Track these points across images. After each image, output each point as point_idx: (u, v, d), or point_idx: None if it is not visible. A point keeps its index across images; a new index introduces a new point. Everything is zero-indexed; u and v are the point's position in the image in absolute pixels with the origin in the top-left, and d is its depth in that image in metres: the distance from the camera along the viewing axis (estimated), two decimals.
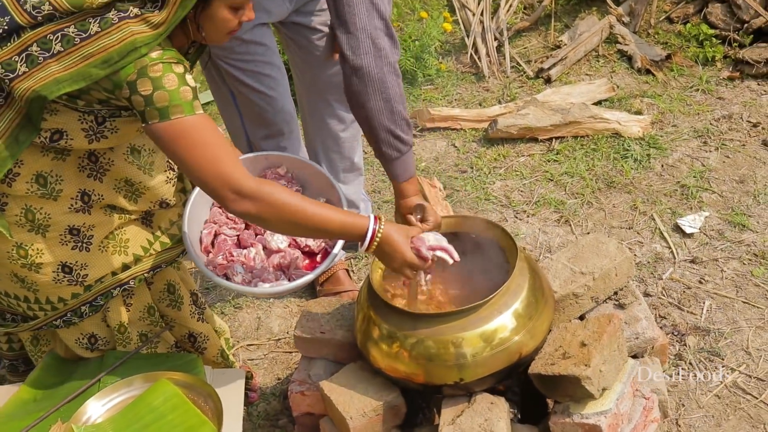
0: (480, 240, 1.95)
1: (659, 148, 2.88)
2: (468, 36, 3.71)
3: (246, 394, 2.37)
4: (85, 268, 1.86)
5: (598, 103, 3.16)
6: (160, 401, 1.89)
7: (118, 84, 1.58)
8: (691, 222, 2.56)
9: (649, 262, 2.45)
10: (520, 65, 3.52)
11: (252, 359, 2.49)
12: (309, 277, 1.90)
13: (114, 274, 1.91)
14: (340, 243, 1.94)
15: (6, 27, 1.62)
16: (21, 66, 1.58)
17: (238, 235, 2.03)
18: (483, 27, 3.71)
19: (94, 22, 1.60)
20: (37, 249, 1.81)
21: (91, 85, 1.60)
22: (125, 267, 1.92)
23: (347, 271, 2.67)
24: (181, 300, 2.08)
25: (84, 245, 1.85)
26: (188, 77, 1.62)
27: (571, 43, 3.48)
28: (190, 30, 1.68)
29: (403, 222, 1.99)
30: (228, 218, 2.05)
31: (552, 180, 2.87)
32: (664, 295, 2.34)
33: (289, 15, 2.35)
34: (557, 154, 2.98)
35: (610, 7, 3.57)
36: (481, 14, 3.81)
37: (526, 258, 1.88)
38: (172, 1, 1.57)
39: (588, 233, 2.58)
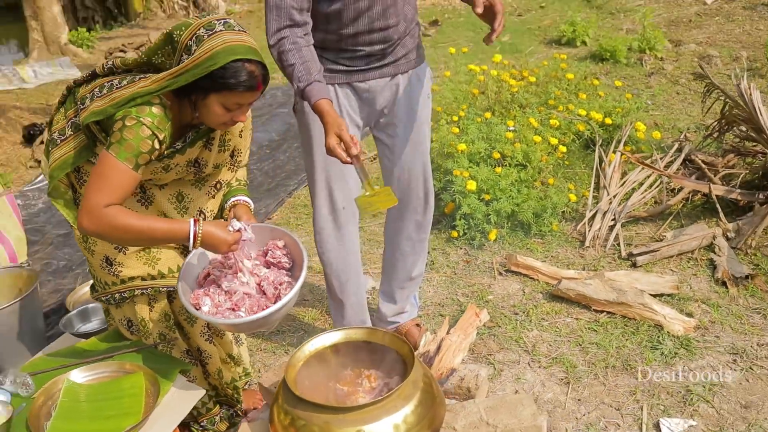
0: (386, 350, 2.06)
1: (689, 351, 2.72)
2: (590, 209, 3.74)
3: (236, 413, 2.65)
4: (120, 266, 2.26)
5: (660, 295, 3.04)
6: (127, 386, 2.24)
7: (114, 119, 1.98)
8: (673, 426, 2.40)
9: None
10: (619, 245, 3.47)
11: None
12: (266, 312, 2.02)
13: (142, 279, 2.29)
14: (305, 262, 2.14)
15: (90, 73, 2.14)
16: (87, 101, 2.07)
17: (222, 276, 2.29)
18: (609, 207, 3.72)
19: (126, 78, 2.05)
20: (93, 240, 2.25)
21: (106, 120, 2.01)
22: (152, 277, 2.30)
23: (418, 326, 2.96)
24: (195, 319, 2.41)
25: (123, 249, 2.25)
26: (143, 141, 1.96)
27: (670, 240, 3.38)
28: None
29: None
30: (220, 263, 2.27)
31: (580, 345, 2.82)
32: None
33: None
34: (599, 325, 2.92)
35: (721, 221, 3.41)
36: (614, 196, 3.82)
37: (424, 371, 1.96)
38: (166, 73, 1.95)
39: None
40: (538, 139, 3.85)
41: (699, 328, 2.85)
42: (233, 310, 2.12)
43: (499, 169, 3.74)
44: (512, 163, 3.84)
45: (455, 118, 4.11)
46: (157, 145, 1.98)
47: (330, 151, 2.15)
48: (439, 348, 2.66)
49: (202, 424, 2.61)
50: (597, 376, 2.66)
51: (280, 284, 2.24)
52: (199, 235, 2.01)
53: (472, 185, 3.64)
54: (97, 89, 2.09)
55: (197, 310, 2.07)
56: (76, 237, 2.33)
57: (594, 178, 4.04)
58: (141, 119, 1.95)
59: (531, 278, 3.32)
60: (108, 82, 2.09)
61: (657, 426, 2.41)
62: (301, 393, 1.99)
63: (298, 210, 4.41)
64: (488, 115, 4.07)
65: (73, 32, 10.13)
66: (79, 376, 2.30)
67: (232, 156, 2.42)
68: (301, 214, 4.31)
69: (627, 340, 2.83)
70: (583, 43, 7.00)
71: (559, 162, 3.98)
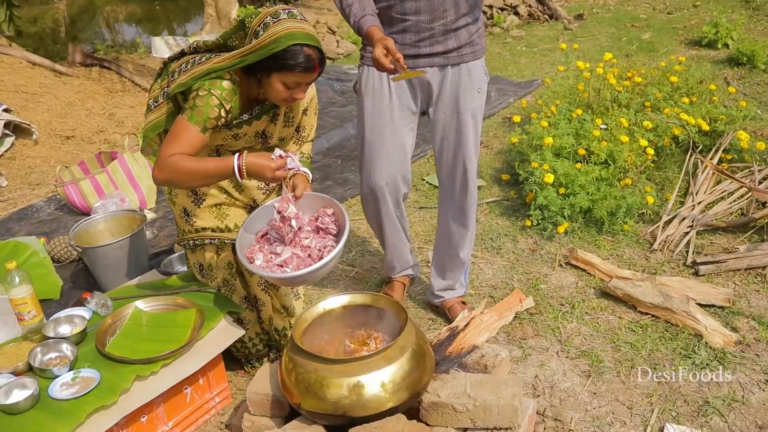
0: (385, 314, 2.21)
1: (722, 364, 2.63)
2: (669, 213, 3.61)
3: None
4: (195, 217, 2.56)
5: (711, 306, 2.92)
6: (180, 318, 2.54)
7: (191, 90, 2.24)
8: (677, 431, 2.36)
9: None
10: (687, 253, 3.34)
11: None
12: (311, 268, 2.23)
13: (212, 231, 2.58)
14: (346, 231, 2.31)
15: (180, 51, 2.41)
16: (176, 75, 2.34)
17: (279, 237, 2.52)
18: (689, 214, 3.58)
19: (205, 56, 2.30)
20: (176, 192, 2.56)
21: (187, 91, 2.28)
22: (220, 230, 2.58)
23: (404, 285, 3.18)
24: None
25: (199, 203, 2.55)
26: (212, 109, 2.21)
27: (741, 253, 3.21)
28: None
29: None
30: (278, 226, 2.50)
31: (614, 343, 2.81)
32: None
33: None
34: (639, 327, 2.88)
35: None
36: (699, 203, 3.67)
37: (416, 339, 2.09)
38: (236, 52, 2.20)
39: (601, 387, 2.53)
40: (625, 139, 3.76)
41: (740, 344, 2.74)
42: (281, 266, 2.34)
43: (579, 165, 3.70)
44: (597, 160, 3.78)
45: (547, 113, 4.09)
46: (223, 114, 2.25)
47: (376, 61, 2.37)
48: (467, 325, 2.76)
49: (251, 362, 2.89)
50: (619, 374, 2.64)
51: (324, 248, 2.45)
52: (243, 165, 2.17)
53: (549, 178, 3.64)
54: (183, 65, 2.39)
55: (250, 263, 2.32)
56: (165, 190, 2.66)
57: (684, 183, 3.89)
58: (212, 90, 2.22)
59: (588, 273, 3.30)
60: (192, 59, 2.38)
61: (662, 430, 2.38)
62: (307, 345, 2.20)
63: None
64: (579, 111, 4.01)
65: (242, 9, 10.85)
66: (145, 305, 2.65)
67: (297, 131, 2.65)
68: None
69: (662, 344, 2.77)
70: (725, 45, 6.56)
71: (648, 164, 3.86)
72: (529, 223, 3.74)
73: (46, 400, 2.21)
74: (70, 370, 2.33)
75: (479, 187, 4.33)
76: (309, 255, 2.47)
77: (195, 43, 2.45)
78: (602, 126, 3.96)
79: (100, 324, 2.56)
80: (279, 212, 2.41)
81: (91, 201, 4.29)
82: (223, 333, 2.58)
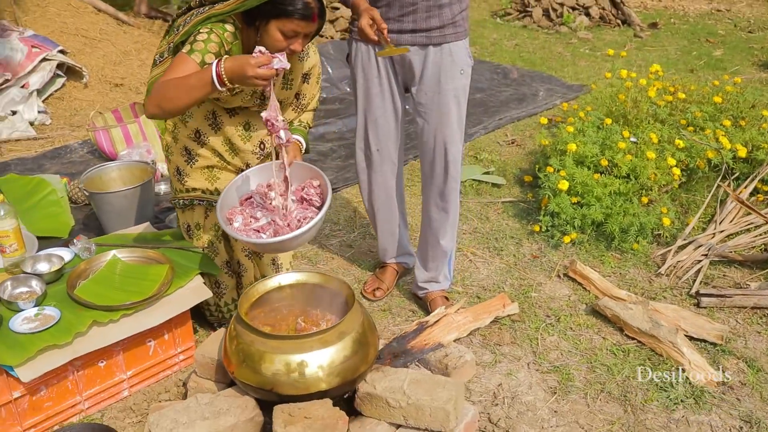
0: (334, 292, 2.18)
1: (697, 403, 2.49)
2: (685, 238, 3.44)
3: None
4: (186, 176, 2.57)
5: (702, 341, 2.77)
6: (152, 272, 2.57)
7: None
8: None
9: None
10: (694, 282, 3.18)
11: None
12: (285, 237, 2.22)
13: (202, 192, 2.59)
14: (327, 204, 2.29)
15: (187, 7, 2.42)
16: (180, 27, 2.34)
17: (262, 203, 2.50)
18: (707, 242, 3.40)
19: (207, 6, 2.29)
20: (171, 150, 2.58)
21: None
22: (209, 192, 2.59)
23: (396, 272, 3.24)
24: None
25: (191, 162, 2.56)
26: (212, 44, 2.18)
27: (750, 291, 3.03)
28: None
29: None
30: (263, 193, 2.49)
31: (590, 363, 2.70)
32: None
33: None
34: (621, 351, 2.76)
35: None
36: (721, 232, 3.48)
37: (361, 328, 2.05)
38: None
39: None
40: (651, 155, 3.59)
41: (723, 385, 2.58)
42: (258, 232, 2.34)
43: (597, 176, 3.56)
44: (619, 173, 3.63)
45: (571, 119, 3.94)
46: (223, 53, 2.22)
47: (361, 31, 2.43)
48: (437, 321, 2.70)
49: (223, 324, 2.91)
50: (586, 396, 2.54)
51: (304, 218, 2.44)
52: (222, 68, 2.04)
53: (564, 185, 3.52)
54: (188, 17, 2.39)
55: (229, 224, 2.30)
56: (162, 146, 2.68)
57: (711, 209, 3.69)
58: (213, 29, 2.22)
59: (584, 288, 3.17)
60: (196, 11, 2.37)
61: None
62: (261, 317, 2.19)
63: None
64: (608, 121, 3.85)
65: None
66: (124, 255, 2.69)
67: (297, 98, 2.63)
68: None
69: (642, 373, 2.64)
70: None
71: (673, 184, 3.68)
72: (537, 228, 3.62)
73: (6, 331, 2.28)
74: (35, 306, 2.39)
75: (499, 186, 4.23)
76: (288, 224, 2.46)
77: None
78: (632, 139, 3.79)
79: (76, 267, 2.61)
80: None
81: (118, 149, 4.39)
82: (192, 293, 2.60)
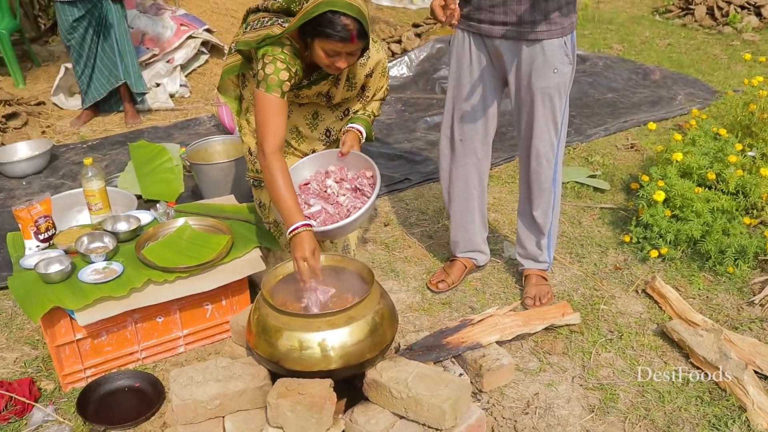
0: (355, 274, 2.25)
1: None
2: None
3: None
4: (257, 158, 2.71)
5: None
6: (213, 241, 2.74)
7: (257, 57, 2.35)
8: None
9: None
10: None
11: None
12: (331, 227, 2.40)
13: None
14: (374, 196, 2.42)
15: (256, 6, 2.53)
16: (248, 28, 2.48)
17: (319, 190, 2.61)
18: None
19: (271, 19, 2.40)
20: (244, 131, 2.74)
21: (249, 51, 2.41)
22: None
23: (465, 267, 3.22)
24: None
25: None
26: (282, 72, 2.28)
27: None
28: None
29: None
30: (320, 180, 2.61)
31: (641, 387, 2.53)
32: None
33: None
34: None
35: None
36: None
37: (381, 288, 2.14)
38: (292, 19, 2.31)
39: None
40: (766, 172, 3.26)
41: None
42: (308, 218, 2.46)
43: (699, 189, 3.29)
44: (726, 189, 3.33)
45: (686, 126, 3.66)
46: (293, 74, 2.37)
47: (432, 11, 2.44)
48: (481, 320, 2.66)
49: None
50: (626, 420, 2.39)
51: (354, 208, 2.53)
52: (293, 234, 2.23)
53: (660, 196, 3.29)
54: (255, 21, 2.54)
55: None
56: (236, 126, 2.85)
57: None
58: (275, 56, 2.34)
59: (660, 308, 2.96)
60: (263, 18, 2.52)
61: None
62: (289, 293, 2.28)
63: None
64: (723, 131, 3.53)
65: None
66: (195, 222, 2.89)
67: (362, 90, 2.70)
68: None
69: (695, 405, 2.44)
70: None
71: None
72: (627, 239, 3.42)
73: (74, 279, 2.54)
74: (105, 260, 2.63)
75: (602, 190, 4.03)
76: (338, 212, 2.54)
77: (266, 3, 2.57)
78: (750, 153, 3.46)
79: (149, 229, 2.85)
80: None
81: None
82: (248, 264, 2.74)
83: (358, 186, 2.59)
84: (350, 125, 2.69)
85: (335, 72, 2.38)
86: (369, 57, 2.58)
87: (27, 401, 2.38)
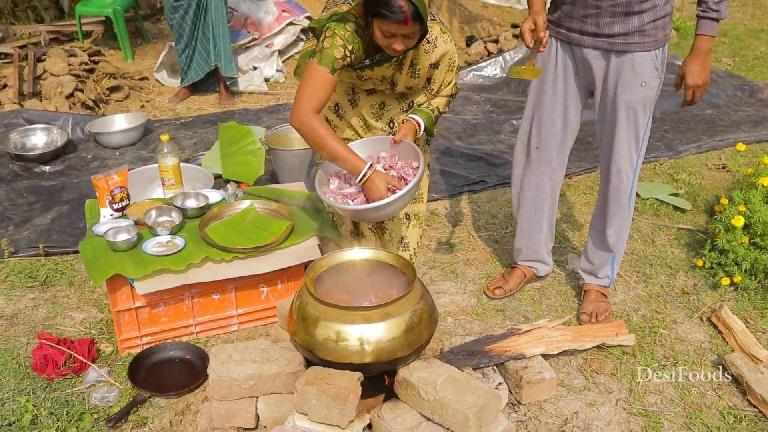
0: (399, 271, 2.29)
1: None
2: None
3: None
4: None
5: None
6: (275, 226, 2.82)
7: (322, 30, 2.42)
8: None
9: None
10: None
11: None
12: (363, 206, 2.44)
13: None
14: (419, 175, 2.45)
15: None
16: (325, 10, 2.54)
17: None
18: None
19: None
20: None
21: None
22: None
23: (524, 275, 3.17)
24: None
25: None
26: (337, 49, 2.35)
27: None
28: None
29: None
30: (374, 159, 2.66)
31: (689, 419, 2.42)
32: None
33: None
34: (733, 416, 2.43)
35: None
36: None
37: (422, 287, 2.19)
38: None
39: None
40: None
41: None
42: (346, 197, 2.53)
43: None
44: None
45: None
46: (348, 53, 2.41)
47: (521, 33, 2.47)
48: (527, 332, 2.62)
49: None
50: None
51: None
52: (366, 178, 2.41)
53: (739, 221, 3.12)
54: (331, 2, 2.59)
55: (327, 183, 2.61)
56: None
57: None
58: (336, 32, 2.39)
59: (724, 338, 2.82)
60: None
61: None
62: (336, 285, 2.34)
63: None
64: None
65: None
66: (260, 205, 2.98)
67: (428, 82, 2.69)
68: None
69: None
70: None
71: None
72: (700, 263, 3.26)
73: (138, 250, 2.68)
74: (169, 234, 2.76)
75: (683, 210, 3.86)
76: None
77: None
78: None
79: (215, 209, 2.96)
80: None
81: None
82: (305, 251, 2.80)
83: (403, 175, 2.61)
84: (410, 116, 2.70)
85: (394, 54, 2.40)
86: (436, 47, 2.56)
87: (84, 360, 2.54)
